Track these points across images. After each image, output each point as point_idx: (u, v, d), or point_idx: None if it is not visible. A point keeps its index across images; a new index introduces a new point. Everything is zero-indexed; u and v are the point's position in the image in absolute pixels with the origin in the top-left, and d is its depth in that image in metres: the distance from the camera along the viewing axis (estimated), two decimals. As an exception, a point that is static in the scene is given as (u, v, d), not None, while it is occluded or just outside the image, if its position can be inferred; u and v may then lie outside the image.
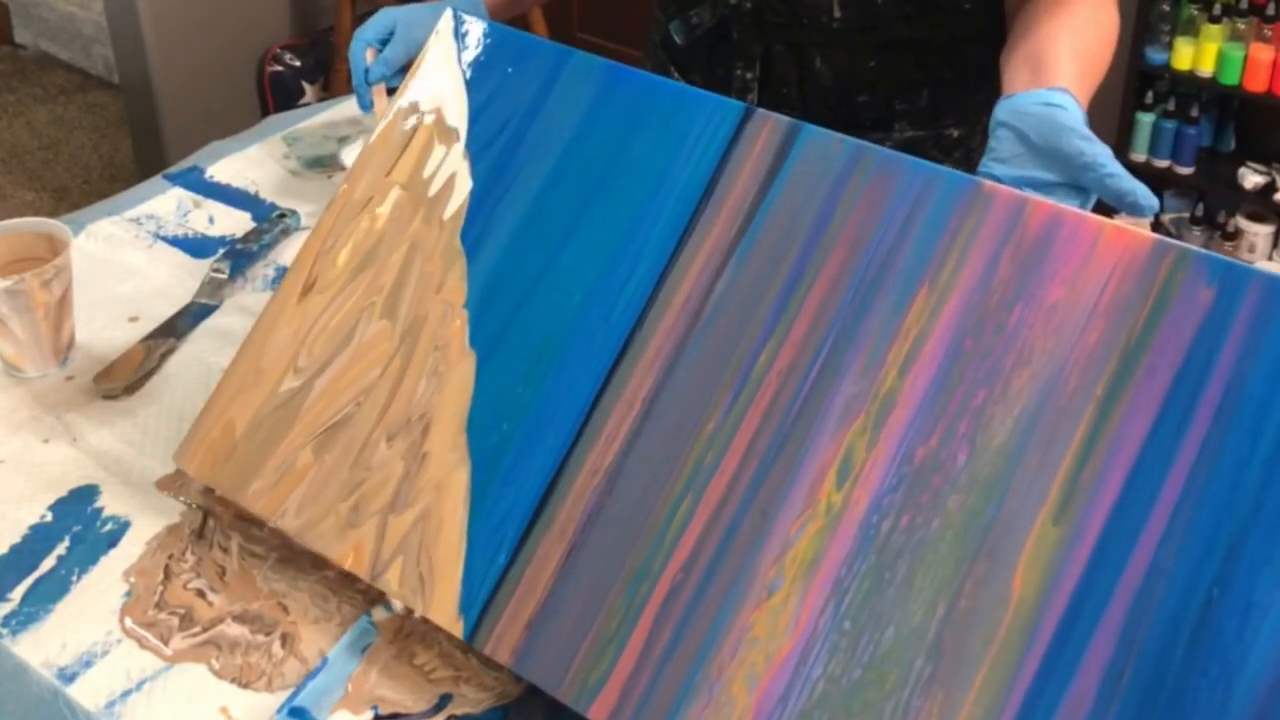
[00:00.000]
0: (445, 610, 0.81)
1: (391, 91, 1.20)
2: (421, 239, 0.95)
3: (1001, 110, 0.94)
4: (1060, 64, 0.96)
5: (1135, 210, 0.89)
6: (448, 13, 1.02)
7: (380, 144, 1.00)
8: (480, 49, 1.01)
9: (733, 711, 0.72)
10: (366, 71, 1.23)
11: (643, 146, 0.91)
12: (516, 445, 0.85)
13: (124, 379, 1.06)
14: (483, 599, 0.80)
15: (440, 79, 1.01)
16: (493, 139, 0.96)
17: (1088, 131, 0.91)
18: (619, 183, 0.91)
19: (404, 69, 1.23)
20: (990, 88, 1.12)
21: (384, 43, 1.24)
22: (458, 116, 0.98)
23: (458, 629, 0.80)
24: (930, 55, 1.14)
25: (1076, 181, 0.91)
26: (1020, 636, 0.70)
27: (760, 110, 0.89)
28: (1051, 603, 0.70)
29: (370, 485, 0.86)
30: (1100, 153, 0.89)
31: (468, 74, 1.00)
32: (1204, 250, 0.75)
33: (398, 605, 0.87)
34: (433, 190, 0.97)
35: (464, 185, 0.95)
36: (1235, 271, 0.73)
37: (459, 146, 0.97)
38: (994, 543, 0.72)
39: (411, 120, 1.00)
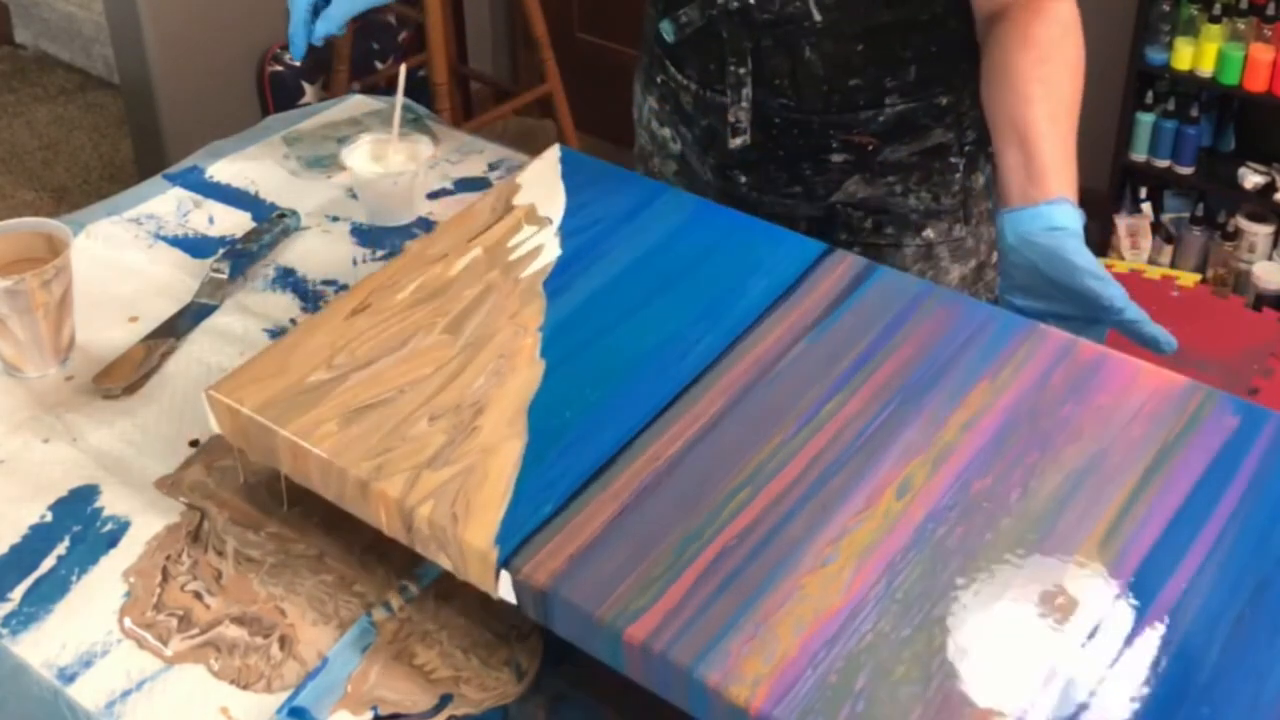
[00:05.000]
0: (480, 538, 0.78)
1: (324, 42, 1.24)
2: (498, 283, 0.99)
3: (1009, 231, 0.98)
4: (1046, 144, 0.99)
5: (1156, 351, 0.95)
6: (554, 148, 1.15)
7: (464, 217, 1.06)
8: (582, 171, 1.13)
9: (777, 648, 0.72)
10: (311, 29, 1.23)
11: (722, 258, 1.01)
12: (578, 429, 0.86)
13: (124, 379, 1.06)
14: (522, 535, 0.79)
15: (540, 185, 1.10)
16: (584, 228, 1.06)
17: (1097, 268, 0.94)
18: (697, 278, 0.99)
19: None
20: (974, 55, 1.14)
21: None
22: (554, 210, 1.07)
23: (491, 556, 0.78)
24: (914, 33, 1.16)
25: (1096, 318, 0.95)
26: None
27: (838, 250, 1.01)
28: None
29: (402, 451, 0.84)
30: (1115, 295, 0.93)
31: (568, 184, 1.11)
32: (1228, 394, 0.87)
33: (397, 606, 0.87)
34: (515, 255, 1.02)
35: (551, 253, 1.02)
36: (1256, 410, 0.86)
37: (551, 229, 1.05)
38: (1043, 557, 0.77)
39: (502, 207, 1.07)
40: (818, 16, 1.13)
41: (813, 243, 1.03)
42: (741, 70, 1.19)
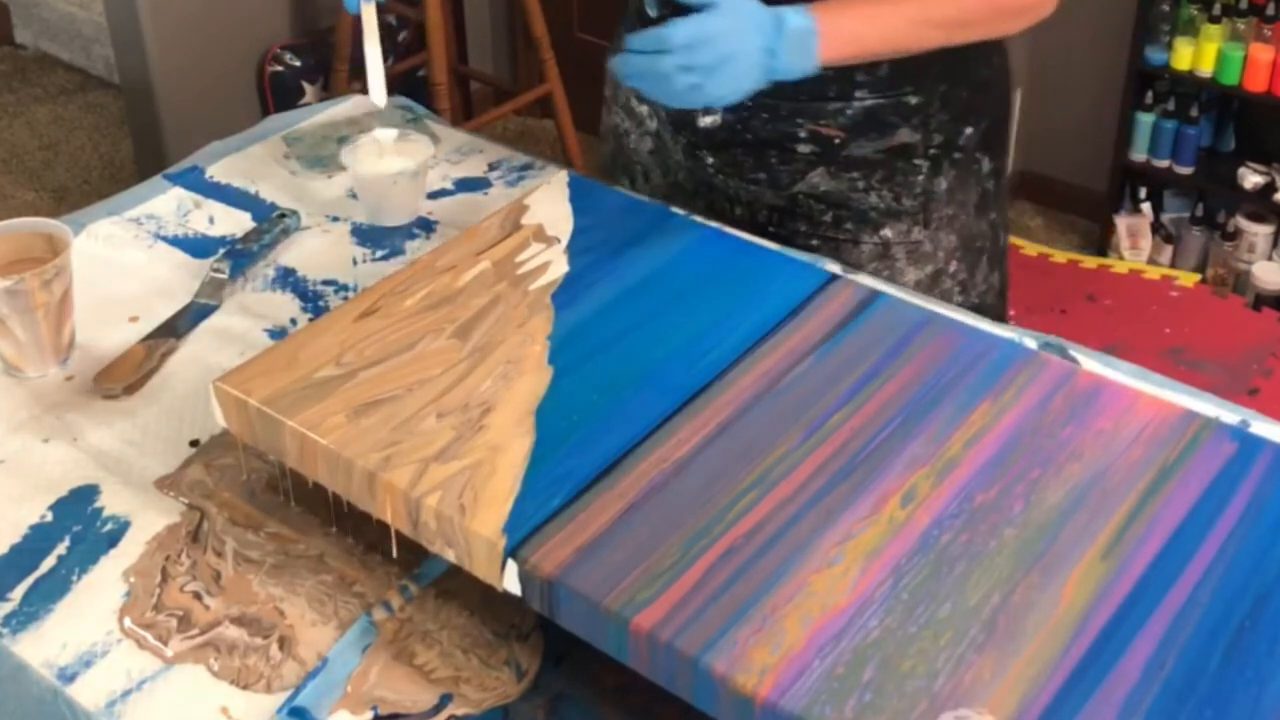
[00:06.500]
0: (488, 527, 0.79)
1: (381, 8, 1.18)
2: (506, 294, 1.00)
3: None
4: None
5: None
6: (562, 172, 1.17)
7: (471, 234, 1.07)
8: (590, 196, 1.14)
9: (784, 639, 0.72)
10: None
11: (729, 280, 1.03)
12: (586, 430, 0.87)
13: (124, 379, 1.06)
14: (530, 526, 0.79)
15: (548, 207, 1.11)
16: (592, 248, 1.07)
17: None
18: (704, 297, 1.01)
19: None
20: (947, 57, 1.16)
21: None
22: (562, 230, 1.08)
23: (499, 545, 0.78)
24: None
25: None
26: (1069, 629, 0.74)
27: (843, 278, 1.03)
28: (1098, 612, 0.75)
29: (410, 445, 0.85)
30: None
31: (575, 207, 1.12)
32: (1225, 422, 0.89)
33: (397, 606, 0.87)
34: (523, 270, 1.03)
35: (559, 269, 1.03)
36: (1253, 438, 0.87)
37: (559, 247, 1.06)
38: (1047, 564, 0.78)
39: (510, 225, 1.08)
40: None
41: (818, 269, 1.05)
42: None
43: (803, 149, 1.22)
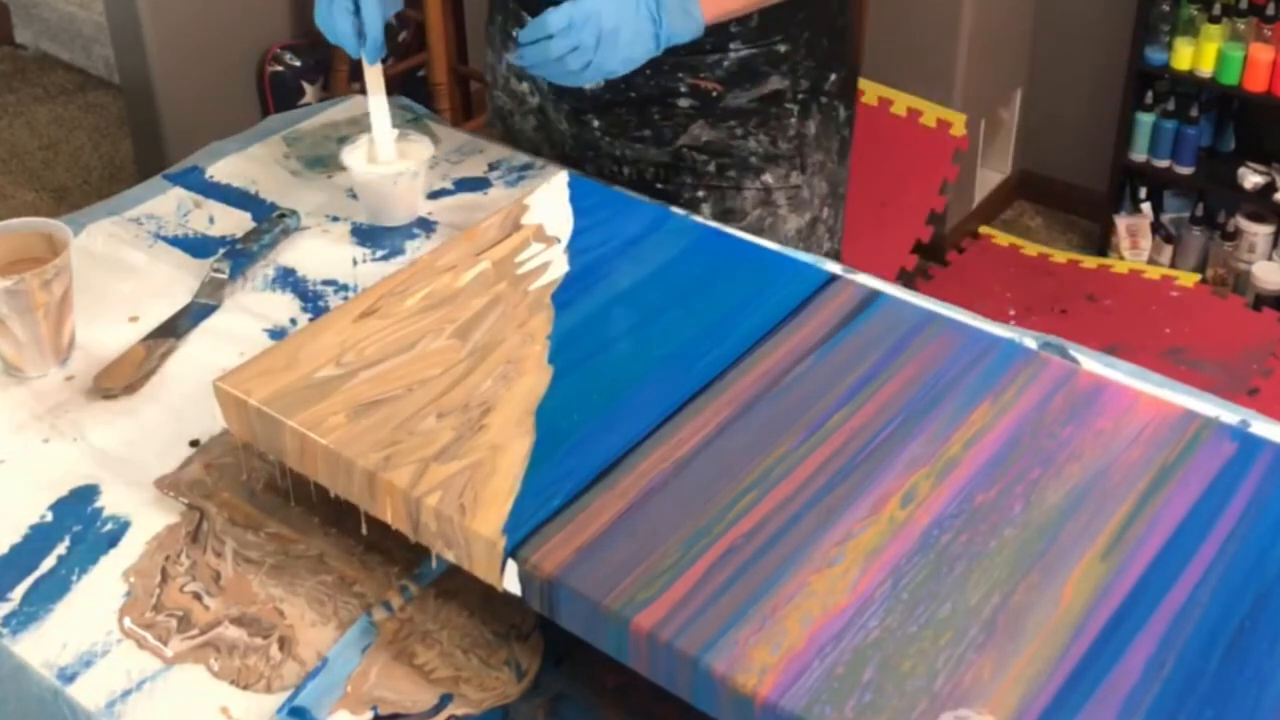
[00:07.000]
0: (488, 527, 0.79)
1: (385, 60, 1.23)
2: (506, 294, 1.00)
3: None
4: None
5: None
6: (563, 172, 1.17)
7: (471, 234, 1.07)
8: (590, 196, 1.14)
9: (784, 639, 0.72)
10: (362, 47, 1.19)
11: (728, 281, 1.03)
12: (586, 430, 0.87)
13: (124, 379, 1.06)
14: (530, 526, 0.79)
15: (548, 207, 1.11)
16: (592, 248, 1.07)
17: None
18: (704, 297, 1.01)
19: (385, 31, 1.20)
20: (808, 7, 1.24)
21: (355, 10, 1.20)
22: (562, 230, 1.08)
23: (499, 545, 0.78)
24: None
25: None
26: (1069, 629, 0.74)
27: (842, 278, 1.03)
28: (1098, 611, 0.75)
29: (410, 444, 0.85)
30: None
31: (576, 207, 1.12)
32: (1225, 422, 0.89)
33: (397, 606, 0.87)
34: (523, 270, 1.03)
35: (559, 269, 1.03)
36: (1253, 438, 0.88)
37: (559, 247, 1.06)
38: (1047, 564, 0.78)
39: (510, 226, 1.08)
40: None
41: (818, 269, 1.05)
42: None
43: (683, 103, 1.28)
